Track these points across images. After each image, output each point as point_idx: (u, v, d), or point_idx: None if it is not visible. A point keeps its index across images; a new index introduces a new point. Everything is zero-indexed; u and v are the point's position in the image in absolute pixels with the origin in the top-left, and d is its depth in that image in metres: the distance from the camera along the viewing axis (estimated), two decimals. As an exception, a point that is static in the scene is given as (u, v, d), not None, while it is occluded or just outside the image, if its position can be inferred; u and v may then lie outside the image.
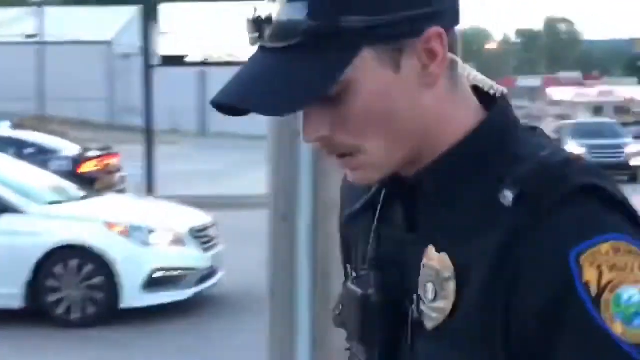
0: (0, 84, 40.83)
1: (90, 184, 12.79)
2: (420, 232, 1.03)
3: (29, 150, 14.05)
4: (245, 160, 23.02)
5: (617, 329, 0.91)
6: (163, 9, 17.57)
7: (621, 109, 64.06)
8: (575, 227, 0.94)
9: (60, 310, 7.68)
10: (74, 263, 7.69)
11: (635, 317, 0.92)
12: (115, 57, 43.74)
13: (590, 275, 0.92)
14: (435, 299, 1.00)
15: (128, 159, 15.74)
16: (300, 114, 1.00)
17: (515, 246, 0.95)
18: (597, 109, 65.35)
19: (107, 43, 44.14)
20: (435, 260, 1.00)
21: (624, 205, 0.97)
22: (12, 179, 8.54)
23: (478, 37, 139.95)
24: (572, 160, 0.98)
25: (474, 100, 1.05)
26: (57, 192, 8.87)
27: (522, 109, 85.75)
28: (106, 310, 7.69)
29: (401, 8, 0.96)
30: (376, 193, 1.09)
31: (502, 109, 1.05)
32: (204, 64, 17.49)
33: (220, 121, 21.12)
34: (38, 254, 7.63)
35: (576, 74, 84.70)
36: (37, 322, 7.67)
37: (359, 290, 1.06)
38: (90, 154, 14.73)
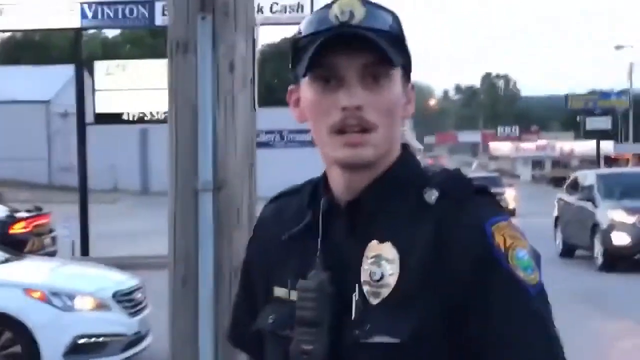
0: None
1: (21, 246, 12.33)
2: (359, 237, 1.38)
3: (-45, 212, 13.59)
4: (184, 219, 22.62)
5: (520, 274, 1.34)
6: (98, 66, 17.32)
7: (558, 163, 65.12)
8: (484, 210, 1.37)
9: (-24, 381, 7.26)
10: (-10, 331, 7.29)
11: (527, 268, 1.35)
12: (54, 116, 43.19)
13: (499, 239, 1.34)
14: (381, 279, 1.35)
15: (66, 219, 15.29)
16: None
17: (441, 229, 1.34)
18: (536, 163, 66.33)
19: (46, 102, 43.61)
20: (379, 249, 1.36)
21: (500, 204, 1.42)
22: None
23: (419, 93, 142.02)
24: (460, 172, 1.44)
25: None
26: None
27: (468, 164, 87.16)
28: (27, 380, 7.28)
29: (409, 57, 1.44)
30: (311, 220, 1.43)
31: (411, 150, 1.47)
32: (141, 121, 17.20)
33: (162, 180, 20.84)
34: (-48, 322, 7.22)
35: (514, 129, 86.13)
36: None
37: (312, 283, 1.38)
38: (20, 215, 14.27)
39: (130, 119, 17.00)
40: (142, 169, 43.17)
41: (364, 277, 1.35)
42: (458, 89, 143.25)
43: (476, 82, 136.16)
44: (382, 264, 1.34)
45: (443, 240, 1.33)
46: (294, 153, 21.31)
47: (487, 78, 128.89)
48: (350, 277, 1.37)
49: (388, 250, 1.35)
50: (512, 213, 31.77)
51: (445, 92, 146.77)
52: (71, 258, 14.26)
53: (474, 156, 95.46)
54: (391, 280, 1.33)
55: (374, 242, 1.36)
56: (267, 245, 1.49)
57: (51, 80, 43.10)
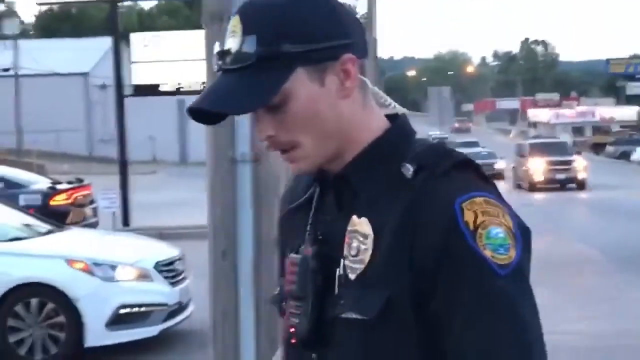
0: (-24, 118, 40.51)
1: (62, 217, 12.50)
2: (345, 211, 1.38)
3: (-2, 184, 13.77)
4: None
5: (488, 253, 1.28)
6: (134, 38, 17.39)
7: (599, 129, 64.29)
8: (459, 185, 1.31)
9: (22, 350, 7.40)
10: (35, 301, 7.42)
11: (499, 247, 1.29)
12: (92, 88, 43.51)
13: (469, 216, 1.29)
14: (357, 254, 1.35)
15: (106, 190, 15.45)
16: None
17: (415, 202, 1.31)
18: (577, 130, 65.58)
19: (84, 74, 43.93)
20: (358, 224, 1.35)
21: (487, 177, 1.37)
22: (-28, 215, 8.28)
23: (456, 60, 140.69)
24: (448, 147, 1.39)
25: (380, 114, 1.41)
26: (19, 228, 8.61)
27: (506, 132, 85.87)
28: (70, 350, 7.41)
29: (325, 39, 1.33)
30: (313, 192, 1.45)
31: (402, 122, 1.43)
32: (178, 92, 17.28)
33: (200, 150, 20.98)
34: (-3, 292, 7.36)
35: (554, 96, 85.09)
36: (-2, 364, 7.40)
37: (298, 257, 1.39)
38: (61, 187, 14.44)
39: (167, 90, 17.08)
40: (180, 140, 43.42)
41: (345, 251, 1.36)
42: (495, 55, 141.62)
43: (514, 48, 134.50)
44: (359, 239, 1.34)
45: (414, 217, 1.30)
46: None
47: (525, 43, 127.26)
48: (336, 252, 1.37)
49: (364, 226, 1.34)
50: (580, 185, 29.19)
51: (483, 59, 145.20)
52: (112, 229, 14.42)
53: (512, 124, 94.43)
54: (365, 256, 1.33)
55: (354, 217, 1.35)
56: (284, 216, 1.53)
57: (89, 53, 43.38)
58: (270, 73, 1.30)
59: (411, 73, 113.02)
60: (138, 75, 16.96)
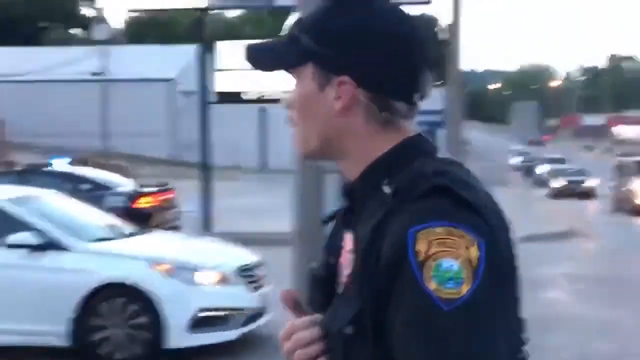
0: (66, 121, 41.66)
1: (145, 220, 12.76)
2: (346, 224, 1.43)
3: (85, 186, 14.14)
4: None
5: (432, 286, 1.25)
6: (220, 47, 17.65)
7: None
8: (421, 213, 1.30)
9: (105, 349, 7.57)
10: (119, 302, 7.58)
11: (449, 281, 1.25)
12: (177, 94, 44.28)
13: (421, 246, 1.27)
14: (345, 268, 1.40)
15: (187, 195, 15.70)
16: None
17: (385, 223, 1.32)
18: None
19: (170, 81, 44.74)
20: (347, 239, 1.41)
21: (469, 204, 1.31)
22: (61, 215, 8.51)
23: (541, 74, 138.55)
24: (443, 171, 1.35)
25: (391, 138, 1.42)
26: (105, 229, 8.81)
27: (590, 149, 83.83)
28: (151, 350, 7.55)
29: (333, 51, 1.41)
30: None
31: (406, 143, 1.43)
32: (260, 100, 17.47)
33: (281, 158, 21.06)
34: (83, 291, 7.54)
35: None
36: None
37: (310, 269, 1.48)
38: (146, 190, 14.74)
39: (250, 98, 17.28)
40: (261, 147, 43.83)
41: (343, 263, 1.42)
42: (581, 70, 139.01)
43: (599, 63, 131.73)
44: (347, 254, 1.39)
45: (381, 236, 1.32)
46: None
47: (612, 59, 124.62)
48: (337, 266, 1.43)
49: (348, 241, 1.40)
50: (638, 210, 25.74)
51: (568, 74, 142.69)
52: (194, 233, 14.65)
53: (596, 140, 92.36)
54: (347, 272, 1.38)
55: (347, 234, 1.41)
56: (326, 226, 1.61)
57: (175, 59, 44.17)
58: (290, 52, 1.44)
59: (494, 86, 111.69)
60: (222, 82, 17.20)
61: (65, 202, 9.31)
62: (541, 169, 46.06)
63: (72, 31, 65.00)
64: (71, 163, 17.17)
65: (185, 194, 15.68)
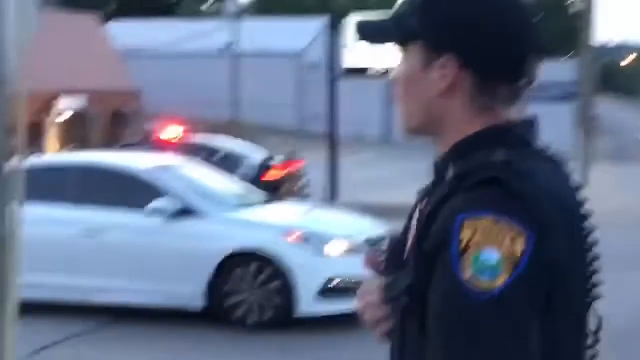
0: (197, 92, 42.74)
1: (275, 189, 13.04)
2: (421, 198, 1.49)
3: (218, 156, 14.52)
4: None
5: (466, 275, 1.27)
6: (348, 21, 17.73)
7: None
8: (472, 201, 1.32)
9: (238, 313, 7.84)
10: (252, 268, 7.83)
11: (485, 272, 1.26)
12: (304, 67, 44.70)
13: (465, 234, 1.29)
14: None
15: (313, 165, 15.92)
16: None
17: (441, 205, 1.36)
18: None
19: (297, 54, 45.18)
20: (417, 213, 1.48)
21: (522, 198, 1.31)
22: (198, 183, 8.83)
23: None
24: (507, 162, 1.37)
25: (484, 122, 1.44)
26: (239, 197, 9.08)
27: None
28: (282, 316, 7.77)
29: (436, 34, 1.45)
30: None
31: (486, 132, 1.44)
32: (384, 75, 17.47)
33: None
34: (218, 257, 7.83)
35: None
36: (215, 323, 7.87)
37: (390, 233, 1.62)
38: (275, 160, 15.03)
39: (375, 73, 17.31)
40: (385, 121, 43.81)
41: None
42: None
43: None
44: (414, 224, 1.46)
45: (432, 218, 1.36)
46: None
47: None
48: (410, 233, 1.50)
49: (417, 212, 1.47)
50: None
51: None
52: (321, 202, 14.85)
53: None
54: (410, 241, 1.45)
55: (420, 204, 1.48)
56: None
57: (302, 33, 44.55)
58: (400, 29, 1.48)
59: (628, 58, 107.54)
60: (349, 57, 17.29)
61: (202, 171, 9.64)
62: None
63: (203, 6, 66.38)
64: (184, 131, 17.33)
65: (313, 164, 15.89)
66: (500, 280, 1.25)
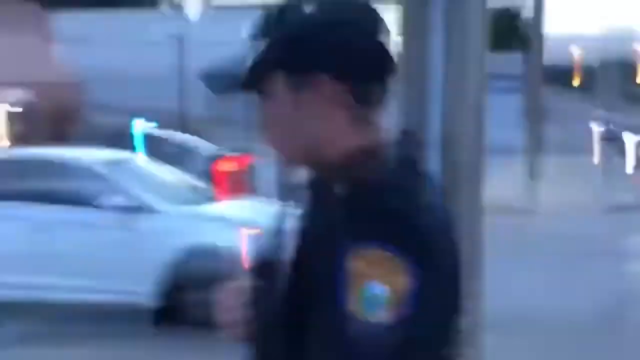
0: (145, 82, 42.26)
1: (225, 184, 12.89)
2: (301, 214, 1.45)
3: (170, 149, 14.29)
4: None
5: (353, 307, 1.24)
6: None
7: None
8: (364, 231, 1.26)
9: (195, 310, 7.70)
10: (208, 264, 7.68)
11: (372, 305, 1.23)
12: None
13: (353, 264, 1.24)
14: None
15: (265, 160, 15.74)
16: None
17: (328, 228, 1.31)
18: None
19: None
20: (295, 228, 1.43)
21: (415, 231, 1.27)
22: (151, 179, 8.73)
23: (626, 38, 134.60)
24: (398, 189, 1.32)
25: (363, 135, 1.39)
26: (192, 192, 8.98)
27: None
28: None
29: (305, 57, 1.40)
30: None
31: (374, 148, 1.39)
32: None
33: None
34: (172, 254, 7.74)
35: None
36: (172, 322, 7.75)
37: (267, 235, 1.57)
38: (226, 153, 14.89)
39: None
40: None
41: None
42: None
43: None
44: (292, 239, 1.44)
45: (316, 240, 1.34)
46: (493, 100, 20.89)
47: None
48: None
49: (296, 229, 1.43)
50: None
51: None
52: (273, 198, 14.73)
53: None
54: (289, 255, 1.42)
55: (300, 219, 1.45)
56: None
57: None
58: (256, 67, 1.40)
59: (576, 51, 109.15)
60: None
61: (153, 165, 9.50)
62: (627, 137, 44.89)
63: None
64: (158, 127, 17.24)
65: (264, 159, 15.75)
66: (387, 315, 1.23)
